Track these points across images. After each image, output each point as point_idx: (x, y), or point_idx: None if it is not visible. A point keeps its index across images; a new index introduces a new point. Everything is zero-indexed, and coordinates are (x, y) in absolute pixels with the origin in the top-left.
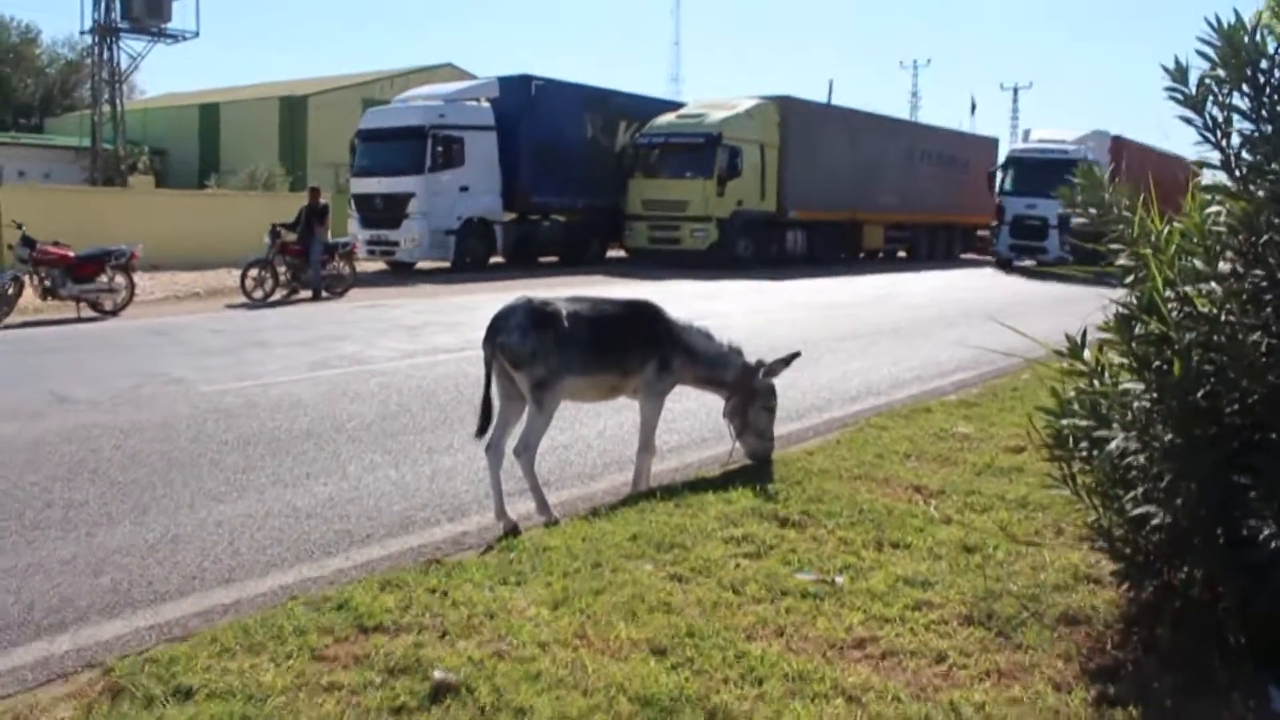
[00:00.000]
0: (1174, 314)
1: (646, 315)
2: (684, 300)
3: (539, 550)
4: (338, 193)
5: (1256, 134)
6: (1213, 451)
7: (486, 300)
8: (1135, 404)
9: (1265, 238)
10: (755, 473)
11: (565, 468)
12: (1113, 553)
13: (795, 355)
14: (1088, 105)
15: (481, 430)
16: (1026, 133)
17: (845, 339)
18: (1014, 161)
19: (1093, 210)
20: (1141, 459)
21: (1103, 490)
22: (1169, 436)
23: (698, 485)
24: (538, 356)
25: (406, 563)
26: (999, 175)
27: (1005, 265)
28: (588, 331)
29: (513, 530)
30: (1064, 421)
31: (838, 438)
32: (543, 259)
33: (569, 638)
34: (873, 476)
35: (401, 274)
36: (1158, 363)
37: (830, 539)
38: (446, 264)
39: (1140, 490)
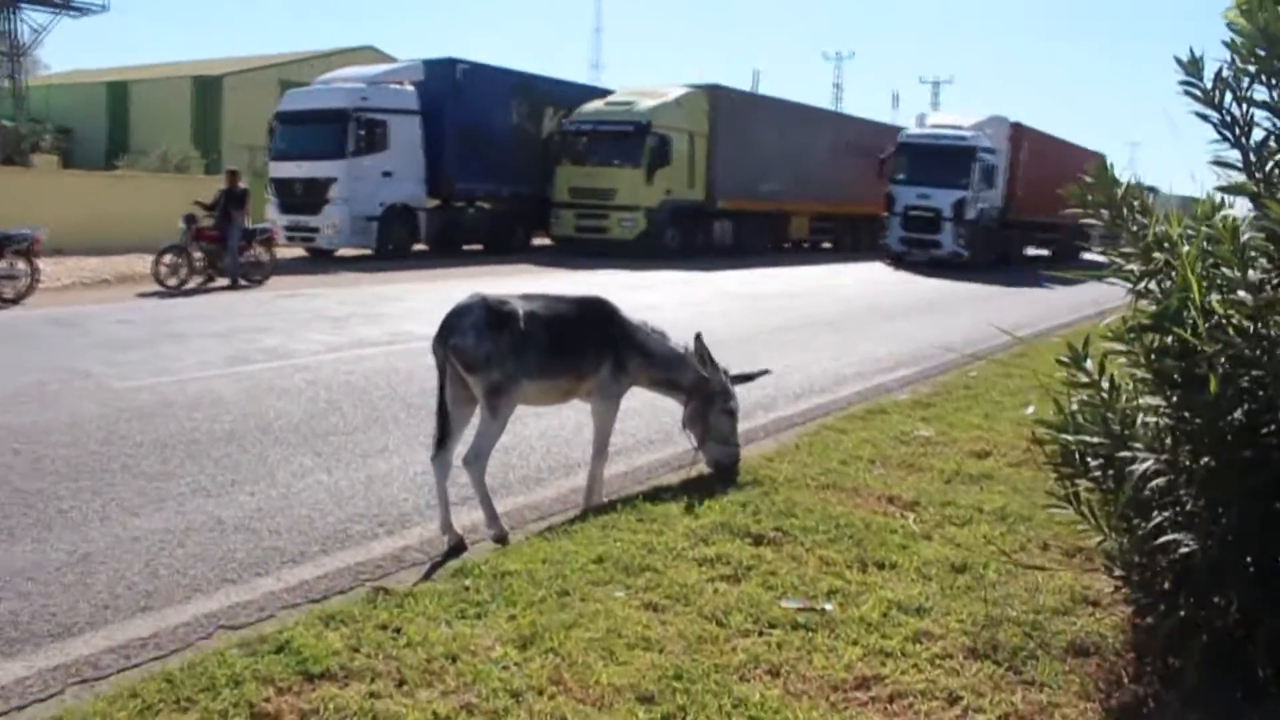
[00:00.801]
0: (1198, 325)
1: (602, 314)
2: (614, 291)
3: (497, 576)
4: (254, 177)
5: None
6: (1250, 476)
7: (411, 290)
8: (1155, 422)
9: None
10: (717, 482)
11: (509, 472)
12: (1126, 581)
13: (764, 373)
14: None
15: (440, 441)
16: (921, 117)
17: (782, 332)
18: (905, 148)
19: (1104, 211)
20: (1162, 481)
21: (1113, 513)
22: (1205, 459)
23: (657, 496)
24: (493, 360)
25: (345, 583)
26: (890, 163)
27: (896, 260)
28: (544, 332)
29: (458, 546)
30: (1073, 438)
31: (795, 442)
32: (467, 247)
33: (544, 684)
34: (841, 486)
35: (322, 261)
36: (1178, 377)
37: (810, 559)
38: (368, 251)
39: (1165, 516)
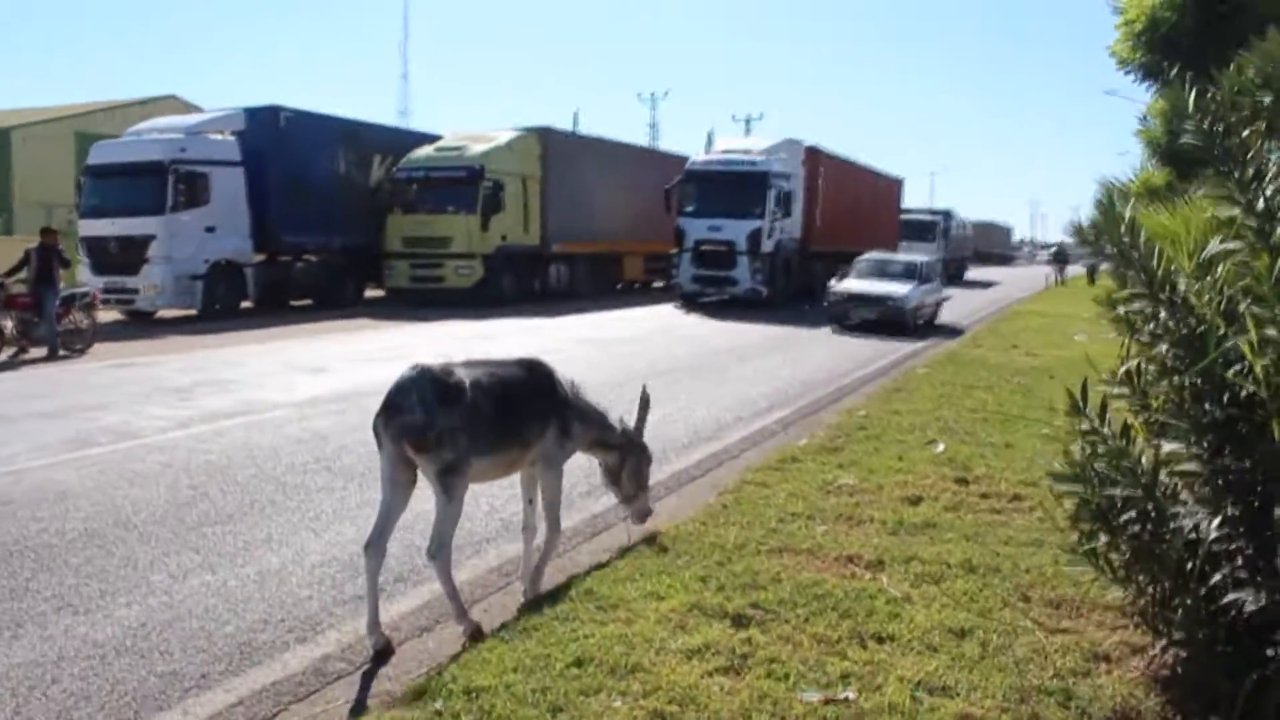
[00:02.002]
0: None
1: (543, 378)
2: (459, 343)
3: (471, 694)
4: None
5: None
6: None
7: (251, 354)
8: (1190, 470)
9: None
10: (656, 555)
11: (413, 556)
12: (1172, 639)
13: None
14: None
15: (379, 535)
16: (709, 140)
17: (646, 378)
18: (693, 176)
19: (1112, 249)
20: (1216, 535)
21: (1157, 568)
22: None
23: (602, 576)
24: (445, 438)
25: (267, 709)
26: (677, 194)
27: (689, 301)
28: (491, 403)
29: (385, 650)
30: (1094, 491)
31: (721, 500)
32: (297, 303)
33: None
34: (794, 548)
35: (143, 325)
36: (1219, 423)
37: (803, 638)
38: (192, 312)
39: (1224, 572)
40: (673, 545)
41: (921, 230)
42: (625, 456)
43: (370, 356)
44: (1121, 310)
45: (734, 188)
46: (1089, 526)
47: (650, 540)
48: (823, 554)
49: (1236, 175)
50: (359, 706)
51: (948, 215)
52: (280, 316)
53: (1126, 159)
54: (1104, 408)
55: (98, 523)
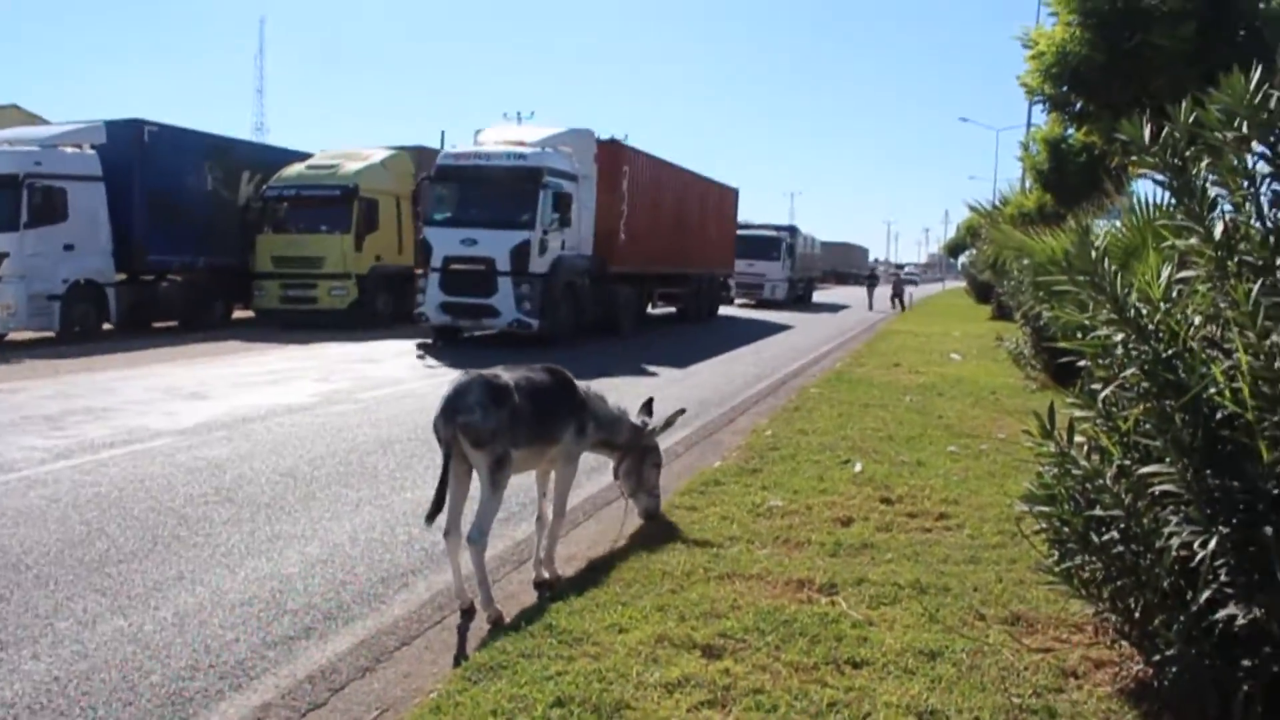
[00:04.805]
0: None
1: (565, 382)
2: (341, 365)
3: None
4: None
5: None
6: None
7: (121, 378)
8: (1170, 490)
9: None
10: (606, 580)
11: (339, 590)
12: (1160, 654)
13: (681, 412)
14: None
15: (433, 516)
16: (477, 133)
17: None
18: (444, 174)
19: (1080, 277)
20: (1204, 552)
21: (1119, 586)
22: (1250, 527)
23: (559, 609)
24: (499, 434)
25: None
26: (424, 197)
27: (441, 334)
28: (529, 403)
29: (470, 609)
30: (1068, 512)
31: (634, 532)
32: (160, 324)
33: None
34: (743, 574)
35: None
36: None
37: (780, 667)
38: (50, 334)
39: (1214, 587)
40: (619, 573)
41: (764, 247)
42: (630, 456)
43: (250, 381)
44: (1081, 335)
45: (496, 189)
46: (1065, 546)
47: (645, 518)
48: (772, 578)
49: (1194, 206)
50: None
51: (793, 231)
52: (145, 339)
53: (976, 184)
54: (1070, 431)
55: None
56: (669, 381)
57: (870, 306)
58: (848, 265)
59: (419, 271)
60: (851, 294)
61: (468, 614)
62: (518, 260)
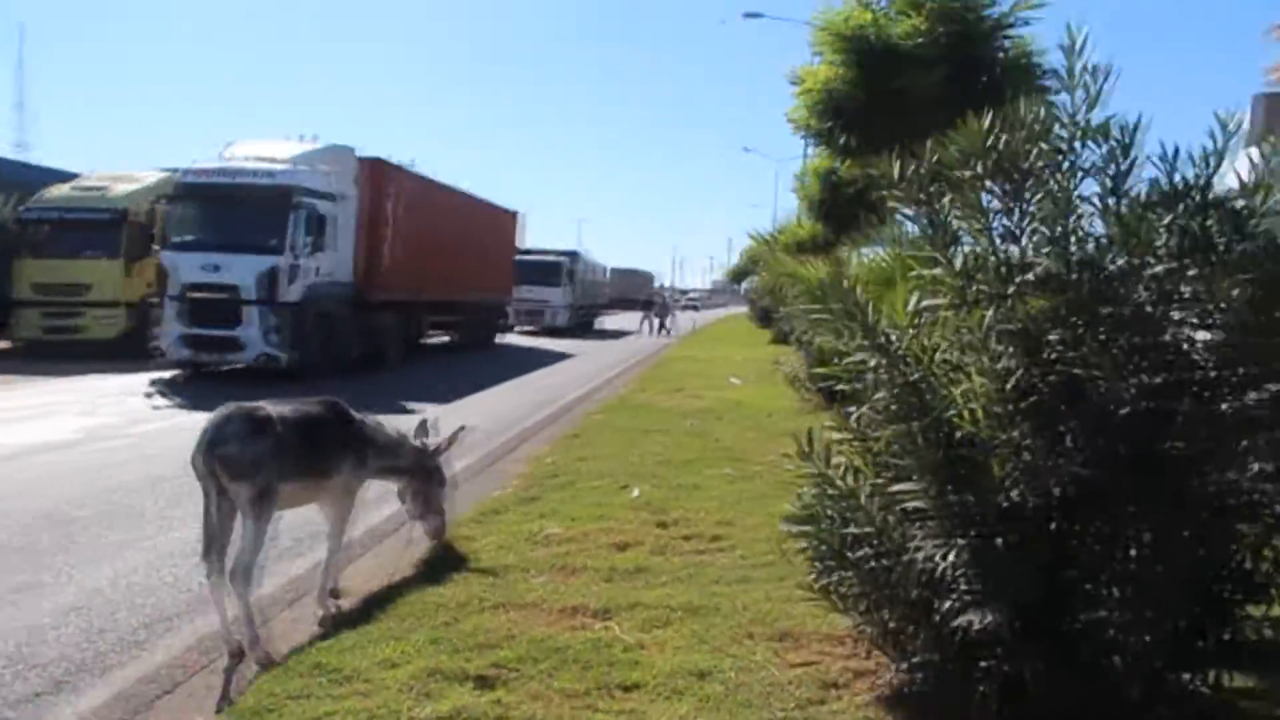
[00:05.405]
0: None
1: (340, 413)
2: (112, 398)
3: None
4: None
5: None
6: (1035, 551)
7: None
8: (917, 507)
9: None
10: (380, 614)
11: (96, 639)
12: (911, 661)
13: (462, 429)
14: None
15: (208, 550)
16: (226, 146)
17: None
18: (187, 192)
19: (835, 305)
20: (945, 563)
21: (893, 597)
22: (985, 539)
23: (328, 647)
24: (261, 466)
25: None
26: (164, 217)
27: (184, 368)
28: (298, 436)
29: (238, 652)
30: (828, 530)
31: (427, 559)
32: None
33: None
34: (518, 603)
35: None
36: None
37: (552, 695)
38: None
39: (955, 596)
40: (393, 606)
41: (545, 273)
42: (415, 479)
43: (11, 416)
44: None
45: (243, 210)
46: (824, 563)
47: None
48: (547, 606)
49: (939, 238)
50: None
51: (574, 256)
52: None
53: (760, 210)
54: (828, 453)
55: None
56: (442, 415)
57: (649, 332)
58: (635, 291)
59: (153, 301)
60: (638, 320)
61: (237, 656)
62: (266, 288)
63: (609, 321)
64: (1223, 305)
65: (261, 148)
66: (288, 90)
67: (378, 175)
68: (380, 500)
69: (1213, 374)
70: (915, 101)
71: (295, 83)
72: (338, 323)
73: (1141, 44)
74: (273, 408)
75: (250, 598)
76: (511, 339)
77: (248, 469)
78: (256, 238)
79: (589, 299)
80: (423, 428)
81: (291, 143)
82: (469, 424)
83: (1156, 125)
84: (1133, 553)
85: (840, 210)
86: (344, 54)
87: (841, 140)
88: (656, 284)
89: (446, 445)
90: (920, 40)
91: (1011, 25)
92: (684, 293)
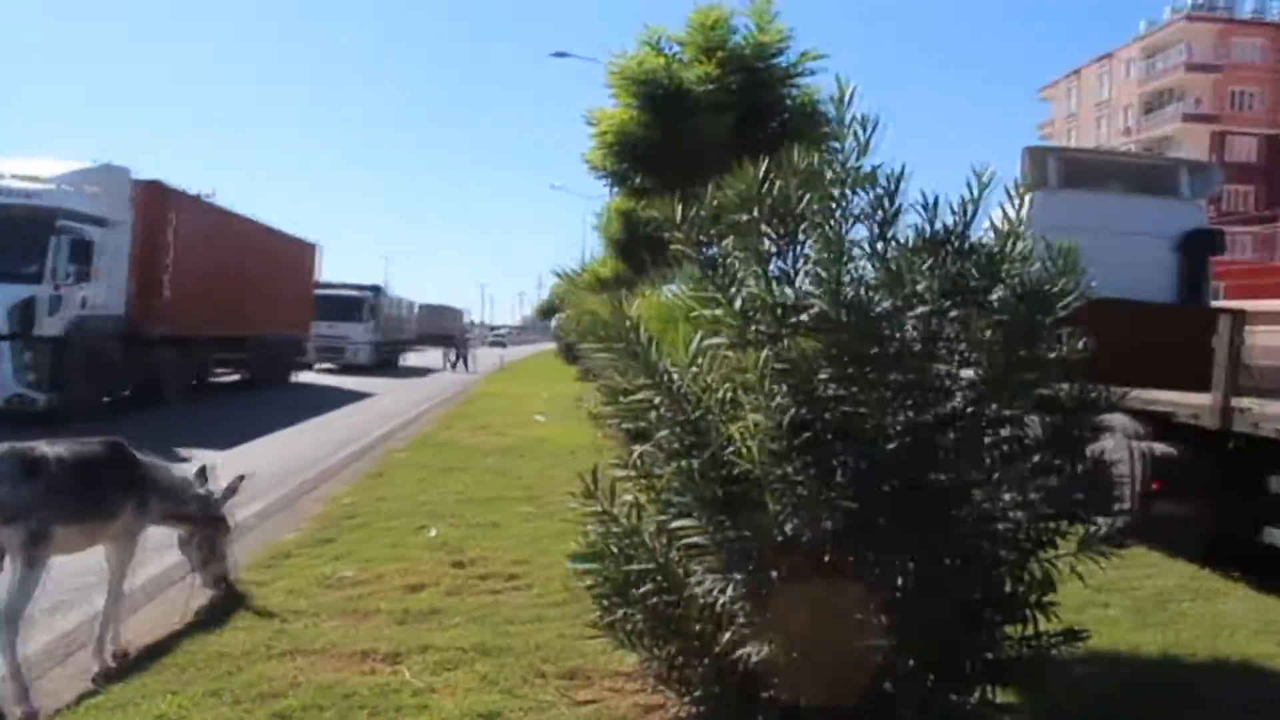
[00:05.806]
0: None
1: (122, 454)
2: None
3: None
4: None
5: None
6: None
7: None
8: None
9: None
10: (158, 666)
11: None
12: (691, 696)
13: (241, 477)
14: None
15: None
16: None
17: None
18: None
19: (618, 344)
20: (725, 598)
21: (674, 633)
22: (764, 572)
23: (98, 705)
24: (32, 508)
25: None
26: None
27: None
28: (75, 477)
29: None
30: (615, 569)
31: (212, 605)
32: None
33: None
34: (305, 649)
35: None
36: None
37: None
38: None
39: (734, 629)
40: (173, 657)
41: (346, 308)
42: (199, 529)
43: None
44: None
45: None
46: (609, 600)
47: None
48: (336, 652)
49: (719, 280)
50: None
51: (378, 291)
52: None
53: (567, 249)
54: (613, 491)
55: None
56: (228, 460)
57: (450, 368)
58: (443, 328)
59: None
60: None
61: None
62: (20, 321)
63: (416, 359)
64: (980, 345)
65: (23, 165)
66: (86, 121)
67: (156, 199)
68: (162, 547)
69: (969, 410)
70: (708, 145)
71: (92, 107)
72: (107, 359)
73: (932, 98)
74: (49, 448)
75: (19, 649)
76: (309, 377)
77: (20, 511)
78: (12, 265)
79: (393, 335)
80: (201, 474)
81: (58, 161)
82: (257, 469)
83: (947, 175)
84: (899, 581)
85: (639, 249)
86: (149, 78)
87: (636, 181)
88: (466, 320)
89: (226, 495)
90: (711, 86)
91: (800, 74)
92: (494, 329)
